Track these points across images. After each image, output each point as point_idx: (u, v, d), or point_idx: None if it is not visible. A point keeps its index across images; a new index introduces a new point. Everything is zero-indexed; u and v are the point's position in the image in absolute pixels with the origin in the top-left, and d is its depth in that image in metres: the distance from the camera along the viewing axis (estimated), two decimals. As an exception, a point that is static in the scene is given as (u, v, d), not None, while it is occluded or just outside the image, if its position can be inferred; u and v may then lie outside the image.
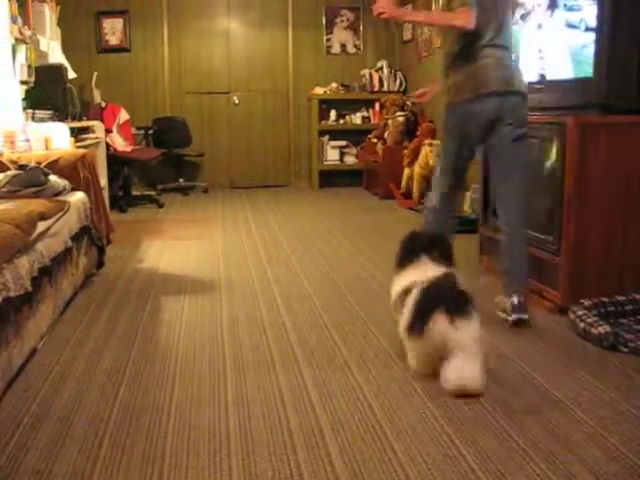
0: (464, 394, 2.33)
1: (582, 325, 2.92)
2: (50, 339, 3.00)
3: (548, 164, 3.42)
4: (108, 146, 6.60)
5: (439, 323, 2.35)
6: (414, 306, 2.47)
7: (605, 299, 3.10)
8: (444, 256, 2.74)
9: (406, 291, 2.57)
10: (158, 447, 2.03)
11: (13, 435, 2.11)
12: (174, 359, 2.76)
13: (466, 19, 2.90)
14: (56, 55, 6.32)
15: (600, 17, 3.07)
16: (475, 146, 3.24)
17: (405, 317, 2.51)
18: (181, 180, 8.14)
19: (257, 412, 2.26)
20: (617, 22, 3.05)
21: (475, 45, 3.02)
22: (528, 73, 3.73)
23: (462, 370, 2.34)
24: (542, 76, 3.55)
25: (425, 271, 2.61)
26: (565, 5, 3.34)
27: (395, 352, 2.79)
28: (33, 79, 5.47)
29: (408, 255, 2.77)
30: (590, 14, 3.13)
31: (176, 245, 5.08)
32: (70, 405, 2.33)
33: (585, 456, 1.94)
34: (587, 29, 3.15)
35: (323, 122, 8.40)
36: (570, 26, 3.28)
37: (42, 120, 5.18)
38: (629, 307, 3.08)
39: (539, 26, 3.57)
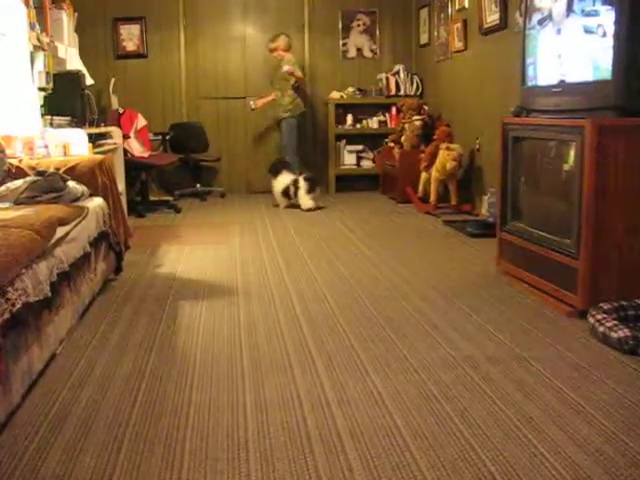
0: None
1: (601, 329, 2.89)
2: (69, 344, 3.01)
3: (566, 166, 3.41)
4: (126, 152, 6.64)
5: (317, 190, 7.02)
6: (308, 184, 6.93)
7: (625, 302, 3.07)
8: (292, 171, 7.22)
9: (287, 187, 7.03)
10: (177, 452, 2.04)
11: (33, 439, 2.13)
12: (192, 363, 2.77)
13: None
14: (74, 62, 6.37)
15: (618, 20, 3.05)
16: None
17: (304, 189, 6.93)
18: (198, 185, 8.18)
19: (275, 416, 2.26)
20: (635, 25, 3.03)
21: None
22: (546, 76, 3.72)
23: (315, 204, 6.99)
24: (561, 80, 3.53)
25: (290, 176, 7.08)
26: (583, 10, 3.32)
27: (412, 356, 2.79)
28: (51, 86, 5.51)
29: (278, 169, 7.15)
30: (607, 19, 3.11)
31: (194, 250, 5.10)
32: (89, 409, 2.34)
33: (605, 461, 1.93)
34: (605, 33, 3.13)
35: (339, 126, 8.40)
36: (588, 31, 3.27)
37: (60, 126, 5.23)
38: (649, 311, 3.05)
39: (558, 31, 3.55)
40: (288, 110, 7.76)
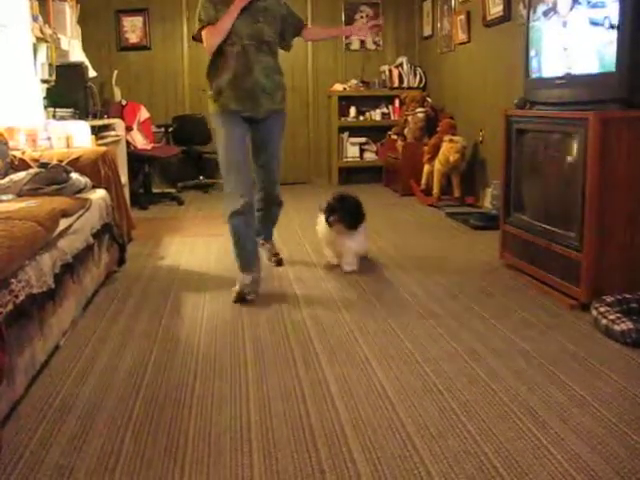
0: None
1: (604, 322, 2.89)
2: (73, 335, 3.02)
3: (570, 159, 3.40)
4: (128, 144, 6.63)
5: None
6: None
7: (628, 295, 3.07)
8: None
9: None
10: (180, 443, 2.04)
11: (37, 430, 2.13)
12: (195, 355, 2.78)
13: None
14: (76, 53, 6.37)
15: (623, 12, 3.03)
16: None
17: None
18: (201, 177, 8.16)
19: (278, 408, 2.27)
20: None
21: None
22: (550, 68, 3.71)
23: None
24: (566, 72, 3.51)
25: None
26: (588, 2, 3.30)
27: (415, 348, 2.79)
28: (54, 78, 5.51)
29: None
30: (613, 11, 3.09)
31: (197, 242, 5.10)
32: (92, 401, 2.35)
33: (608, 454, 1.93)
34: (611, 26, 3.11)
35: (343, 119, 8.37)
36: (594, 23, 3.25)
37: (63, 118, 5.22)
38: (652, 303, 3.05)
39: (563, 23, 3.53)
40: (284, 96, 4.04)
